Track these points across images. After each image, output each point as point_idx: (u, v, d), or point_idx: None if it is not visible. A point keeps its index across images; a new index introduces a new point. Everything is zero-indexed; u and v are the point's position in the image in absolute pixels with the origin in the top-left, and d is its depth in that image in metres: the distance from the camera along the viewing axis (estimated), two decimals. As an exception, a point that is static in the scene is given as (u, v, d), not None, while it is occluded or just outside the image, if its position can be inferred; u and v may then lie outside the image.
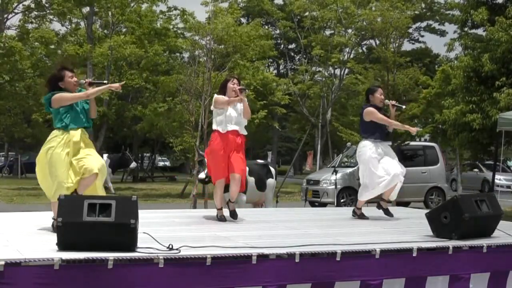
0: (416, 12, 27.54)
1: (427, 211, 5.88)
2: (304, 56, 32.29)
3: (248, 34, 19.83)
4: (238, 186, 6.45)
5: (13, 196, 18.63)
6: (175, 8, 27.31)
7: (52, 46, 22.08)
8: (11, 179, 28.80)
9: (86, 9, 23.91)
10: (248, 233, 5.50)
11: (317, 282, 4.45)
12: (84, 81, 5.61)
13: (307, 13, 28.26)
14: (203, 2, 18.52)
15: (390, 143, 7.28)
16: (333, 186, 15.86)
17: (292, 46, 39.40)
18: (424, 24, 37.56)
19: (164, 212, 8.01)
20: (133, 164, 22.30)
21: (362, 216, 7.10)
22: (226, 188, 6.62)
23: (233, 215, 6.46)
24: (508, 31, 14.05)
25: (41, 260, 3.81)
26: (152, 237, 4.50)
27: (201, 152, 9.56)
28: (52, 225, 5.17)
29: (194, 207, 14.54)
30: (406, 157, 17.07)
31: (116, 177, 25.87)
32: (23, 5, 23.81)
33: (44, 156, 5.42)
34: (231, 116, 6.38)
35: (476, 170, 27.35)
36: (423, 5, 30.21)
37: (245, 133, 6.51)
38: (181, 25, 27.66)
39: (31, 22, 24.12)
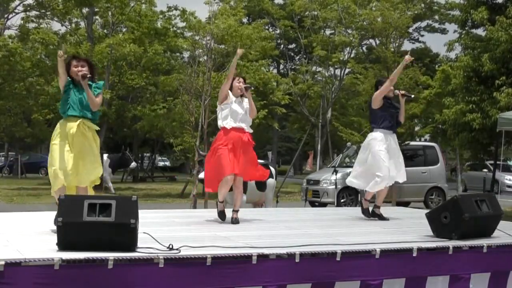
0: (416, 12, 27.53)
1: (427, 211, 5.88)
2: (305, 56, 32.30)
3: (249, 36, 19.82)
4: (240, 192, 6.45)
5: (13, 196, 18.64)
6: (175, 8, 27.31)
7: (52, 47, 22.05)
8: (11, 179, 28.81)
9: (86, 9, 23.90)
10: (248, 233, 5.50)
11: (317, 282, 4.45)
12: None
13: (307, 13, 28.27)
14: (207, 2, 18.49)
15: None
16: (333, 186, 15.86)
17: (292, 46, 39.42)
18: (424, 24, 37.61)
19: (164, 212, 8.02)
20: (133, 164, 22.30)
21: (365, 212, 7.06)
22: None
23: (235, 221, 6.37)
24: (508, 31, 14.04)
25: (41, 260, 3.81)
26: (152, 237, 4.50)
27: (201, 152, 9.58)
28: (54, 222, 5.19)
29: (194, 207, 14.55)
30: (406, 157, 17.01)
31: (116, 177, 25.88)
32: (23, 4, 23.81)
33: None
34: (237, 112, 6.33)
35: (485, 170, 26.90)
36: (423, 5, 30.18)
37: (250, 130, 6.46)
38: (181, 24, 27.69)
39: (32, 21, 24.11)
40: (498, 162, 15.21)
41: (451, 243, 5.01)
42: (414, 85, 22.44)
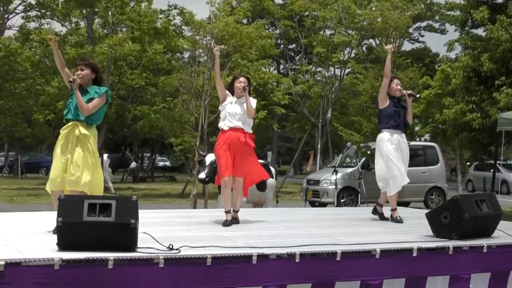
0: (416, 12, 27.53)
1: (427, 211, 5.88)
2: (305, 56, 32.31)
3: (249, 35, 19.81)
4: (240, 193, 6.38)
5: (13, 196, 18.64)
6: (175, 7, 27.34)
7: (50, 48, 22.08)
8: (11, 179, 28.83)
9: (86, 9, 23.89)
10: (248, 233, 5.50)
11: (317, 282, 4.45)
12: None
13: (307, 13, 28.29)
14: (208, 1, 18.47)
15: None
16: (333, 186, 15.86)
17: (292, 46, 39.42)
18: (424, 24, 37.61)
19: (164, 212, 8.02)
20: (133, 164, 22.31)
21: (396, 220, 6.78)
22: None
23: (235, 221, 6.35)
24: (509, 30, 14.04)
25: (41, 260, 3.81)
26: (152, 237, 4.50)
27: (201, 152, 9.56)
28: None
29: (194, 207, 14.55)
30: (406, 157, 17.05)
31: (116, 177, 25.88)
32: (23, 4, 23.80)
33: None
34: (235, 112, 6.29)
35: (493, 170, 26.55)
36: (422, 6, 30.18)
37: (250, 131, 6.38)
38: (180, 23, 27.72)
39: (33, 21, 24.12)
40: (498, 162, 15.19)
41: (451, 243, 5.01)
42: (414, 85, 22.45)
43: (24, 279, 3.75)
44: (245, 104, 6.32)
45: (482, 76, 14.71)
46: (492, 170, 26.03)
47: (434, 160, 17.51)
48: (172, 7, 27.45)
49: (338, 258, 4.50)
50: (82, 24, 25.97)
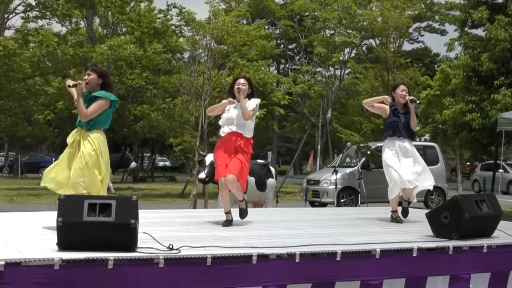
0: (416, 12, 27.55)
1: (427, 211, 5.88)
2: (305, 56, 32.31)
3: (248, 33, 19.81)
4: (233, 187, 6.17)
5: (13, 196, 18.65)
6: (174, 6, 27.35)
7: (50, 48, 22.08)
8: (11, 179, 28.83)
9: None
10: (248, 233, 5.50)
11: (317, 282, 4.45)
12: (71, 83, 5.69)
13: (307, 13, 28.29)
14: (207, 1, 18.49)
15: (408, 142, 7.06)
16: (333, 186, 15.87)
17: (292, 46, 39.42)
18: (424, 24, 37.61)
19: (164, 212, 8.02)
20: (133, 164, 22.27)
21: (396, 220, 6.78)
22: None
23: (241, 214, 6.31)
24: (507, 29, 14.04)
25: (41, 260, 3.81)
26: (152, 237, 4.49)
27: (201, 152, 9.55)
28: None
29: (194, 207, 14.55)
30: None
31: (116, 177, 25.88)
32: (23, 3, 23.79)
33: None
34: (232, 118, 6.17)
35: (501, 170, 26.23)
36: (423, 6, 30.20)
37: (249, 135, 6.22)
38: (179, 22, 27.73)
39: (32, 21, 24.12)
40: (505, 162, 15.18)
41: (451, 243, 5.00)
42: (414, 85, 22.46)
43: (24, 279, 3.75)
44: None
45: (482, 76, 14.71)
46: (499, 170, 25.87)
47: (434, 160, 17.50)
48: (171, 6, 27.47)
49: (338, 258, 4.50)
50: (82, 24, 26.00)
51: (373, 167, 16.78)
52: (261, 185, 9.82)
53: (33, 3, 23.31)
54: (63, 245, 4.11)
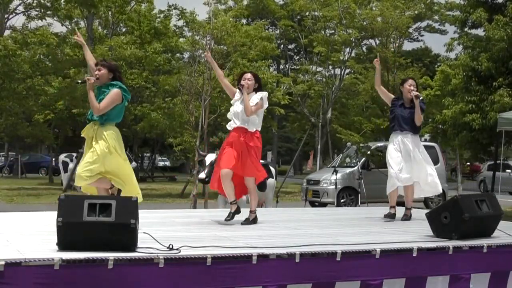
0: (416, 11, 27.55)
1: (427, 211, 5.88)
2: (305, 56, 32.31)
3: (248, 33, 19.81)
4: (252, 193, 6.38)
5: (13, 196, 18.64)
6: (175, 7, 27.33)
7: (50, 48, 22.08)
8: (11, 179, 28.84)
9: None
10: (248, 233, 5.49)
11: (317, 282, 4.45)
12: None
13: (308, 13, 28.29)
14: (206, 2, 18.49)
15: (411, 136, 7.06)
16: (333, 186, 15.88)
17: (292, 46, 39.41)
18: (424, 24, 37.62)
19: (164, 212, 8.02)
20: (133, 164, 22.20)
21: (389, 215, 6.95)
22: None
23: (253, 221, 6.34)
24: (506, 29, 14.05)
25: (41, 260, 3.81)
26: (152, 237, 4.49)
27: (201, 152, 9.56)
28: None
29: (194, 207, 14.55)
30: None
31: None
32: (24, 3, 23.78)
33: None
34: (237, 112, 6.26)
35: (508, 171, 25.80)
36: (423, 6, 30.19)
37: (253, 129, 6.26)
38: (180, 23, 27.71)
39: (33, 20, 24.11)
40: (505, 162, 15.18)
41: (451, 243, 5.00)
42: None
43: (24, 279, 3.75)
44: (251, 102, 6.28)
45: (481, 76, 14.71)
46: (507, 170, 25.58)
47: (434, 160, 17.33)
48: (172, 7, 27.45)
49: (338, 258, 4.50)
50: (82, 24, 25.98)
51: (373, 167, 16.79)
52: (261, 185, 9.79)
53: (33, 3, 23.30)
54: (63, 245, 4.11)
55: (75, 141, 29.27)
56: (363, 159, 17.30)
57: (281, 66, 40.68)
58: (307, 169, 39.83)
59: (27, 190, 20.84)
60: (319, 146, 28.83)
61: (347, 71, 29.30)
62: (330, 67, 28.41)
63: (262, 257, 4.31)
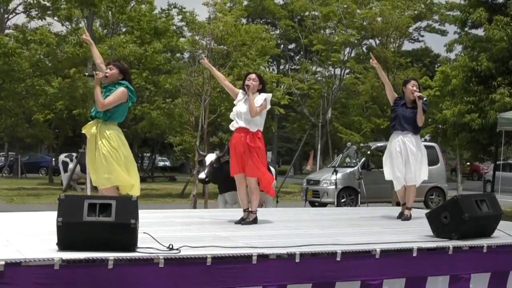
0: (416, 11, 27.52)
1: (427, 211, 5.88)
2: (305, 56, 32.31)
3: (248, 32, 19.80)
4: (254, 193, 6.37)
5: (13, 196, 18.65)
6: (175, 6, 27.35)
7: (50, 47, 22.07)
8: (11, 179, 28.83)
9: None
10: (248, 233, 5.49)
11: (317, 282, 4.45)
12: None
13: (307, 13, 28.29)
14: (205, 3, 18.49)
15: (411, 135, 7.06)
16: (333, 186, 15.88)
17: (292, 46, 39.40)
18: (424, 24, 37.60)
19: (164, 212, 8.02)
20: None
21: (402, 216, 6.99)
22: (234, 187, 6.66)
23: (252, 221, 6.37)
24: (506, 29, 14.05)
25: (41, 260, 3.81)
26: (152, 237, 4.49)
27: (201, 152, 9.56)
28: None
29: (194, 207, 14.55)
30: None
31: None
32: (24, 3, 23.78)
33: None
34: (240, 113, 6.27)
35: None
36: (423, 6, 30.18)
37: (254, 129, 6.25)
38: (180, 23, 27.72)
39: (33, 19, 24.10)
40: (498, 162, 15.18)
41: (451, 243, 5.00)
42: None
43: (24, 279, 3.75)
44: (255, 102, 6.27)
45: (481, 76, 14.71)
46: (512, 171, 25.24)
47: (434, 160, 17.48)
48: (172, 6, 27.47)
49: (338, 258, 4.50)
50: (82, 24, 25.98)
51: (373, 167, 16.80)
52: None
53: (34, 2, 23.29)
54: (63, 245, 4.11)
55: (75, 141, 29.30)
56: (363, 159, 17.30)
57: (281, 66, 40.70)
58: (307, 169, 39.80)
59: (27, 190, 20.85)
60: (319, 146, 28.82)
61: (347, 71, 29.29)
62: (330, 67, 28.42)
63: (262, 257, 4.31)
